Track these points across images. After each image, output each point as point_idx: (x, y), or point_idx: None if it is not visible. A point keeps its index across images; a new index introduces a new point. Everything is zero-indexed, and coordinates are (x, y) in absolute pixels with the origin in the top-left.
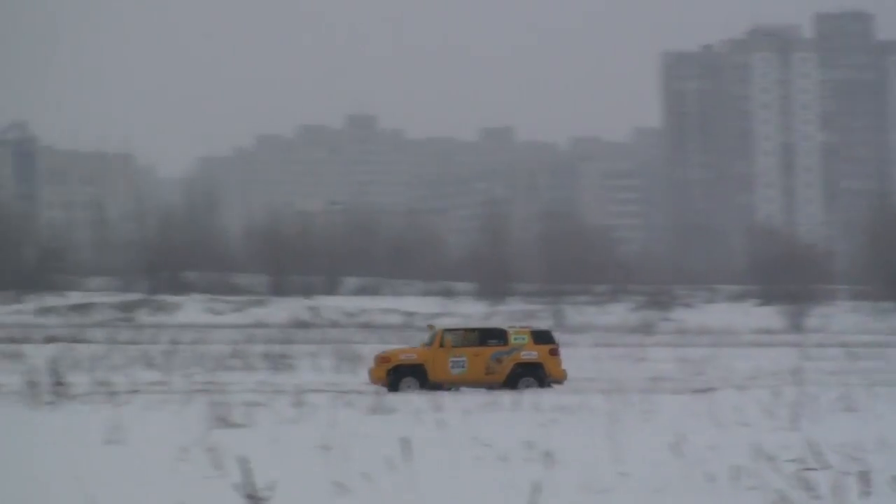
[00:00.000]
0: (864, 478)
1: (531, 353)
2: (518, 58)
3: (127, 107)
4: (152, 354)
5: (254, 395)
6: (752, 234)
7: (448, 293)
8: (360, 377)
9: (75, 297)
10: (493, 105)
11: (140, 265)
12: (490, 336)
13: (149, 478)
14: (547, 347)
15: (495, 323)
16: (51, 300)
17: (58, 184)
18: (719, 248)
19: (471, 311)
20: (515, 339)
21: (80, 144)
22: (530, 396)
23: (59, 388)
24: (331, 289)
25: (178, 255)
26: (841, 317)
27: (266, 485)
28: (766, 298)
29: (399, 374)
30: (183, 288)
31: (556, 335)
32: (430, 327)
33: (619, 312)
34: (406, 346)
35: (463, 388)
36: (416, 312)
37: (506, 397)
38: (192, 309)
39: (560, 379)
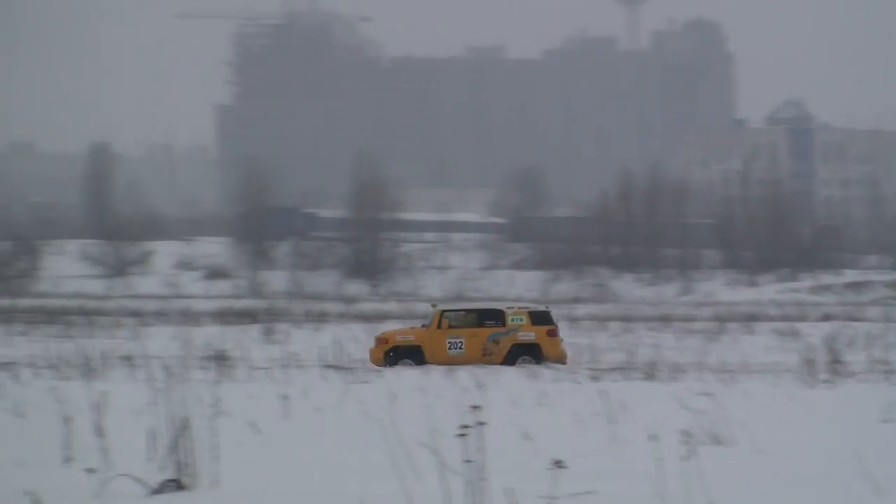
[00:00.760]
0: None
1: (528, 334)
2: None
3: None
4: None
5: None
6: None
7: None
8: None
9: (851, 276)
10: None
11: None
12: (488, 317)
13: None
14: (545, 328)
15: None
16: (826, 278)
17: (834, 161)
18: None
19: None
20: (513, 319)
21: (857, 122)
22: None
23: (836, 367)
24: None
25: None
26: None
27: None
28: None
29: (397, 355)
30: None
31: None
32: (434, 306)
33: None
34: (406, 327)
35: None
36: None
37: None
38: None
39: (559, 359)
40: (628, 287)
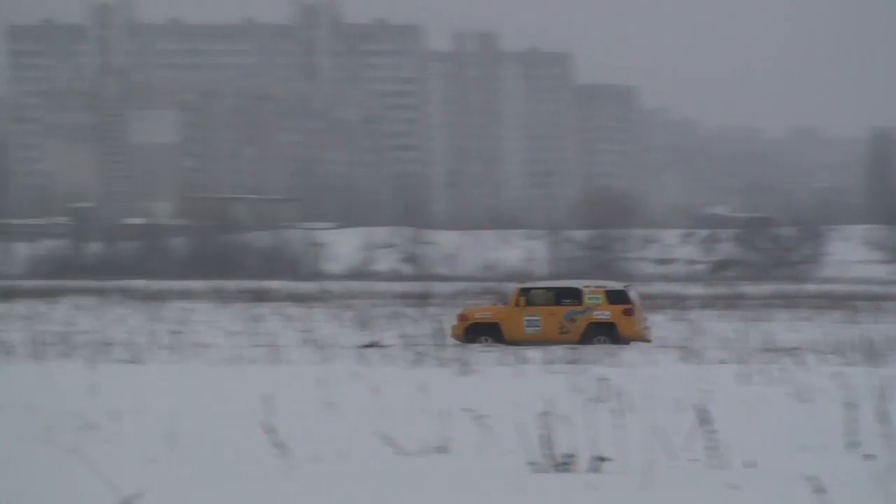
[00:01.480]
0: None
1: (604, 313)
2: None
3: None
4: None
5: None
6: None
7: None
8: None
9: None
10: None
11: None
12: (565, 295)
13: None
14: (620, 307)
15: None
16: None
17: None
18: None
19: None
20: (589, 298)
21: None
22: None
23: None
24: None
25: None
26: None
27: None
28: None
29: (476, 332)
30: None
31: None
32: (521, 283)
33: None
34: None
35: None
36: None
37: None
38: None
39: (636, 338)
40: None
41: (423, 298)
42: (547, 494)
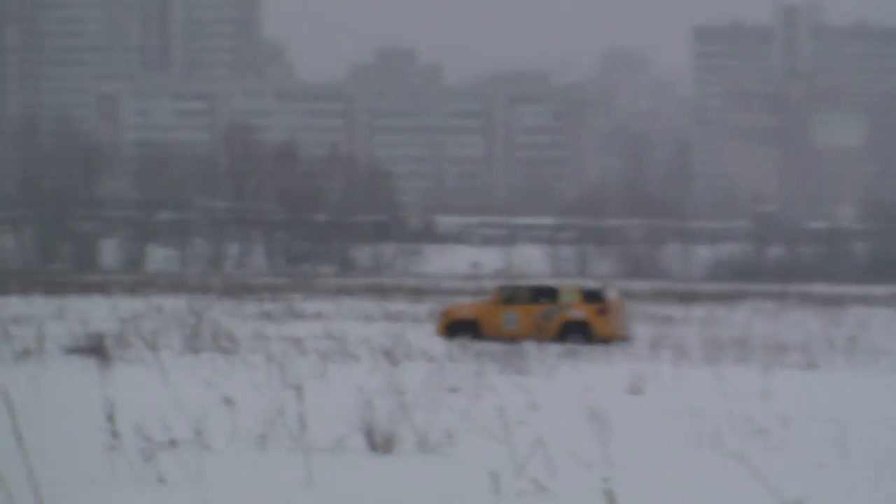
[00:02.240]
0: None
1: (579, 312)
2: None
3: None
4: None
5: None
6: None
7: None
8: None
9: None
10: None
11: None
12: (542, 294)
13: None
14: (595, 306)
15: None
16: None
17: None
18: None
19: None
20: (566, 297)
21: None
22: None
23: None
24: None
25: None
26: None
27: None
28: None
29: (457, 328)
30: None
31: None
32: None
33: None
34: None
35: None
36: None
37: None
38: None
39: (611, 337)
40: None
41: None
42: None
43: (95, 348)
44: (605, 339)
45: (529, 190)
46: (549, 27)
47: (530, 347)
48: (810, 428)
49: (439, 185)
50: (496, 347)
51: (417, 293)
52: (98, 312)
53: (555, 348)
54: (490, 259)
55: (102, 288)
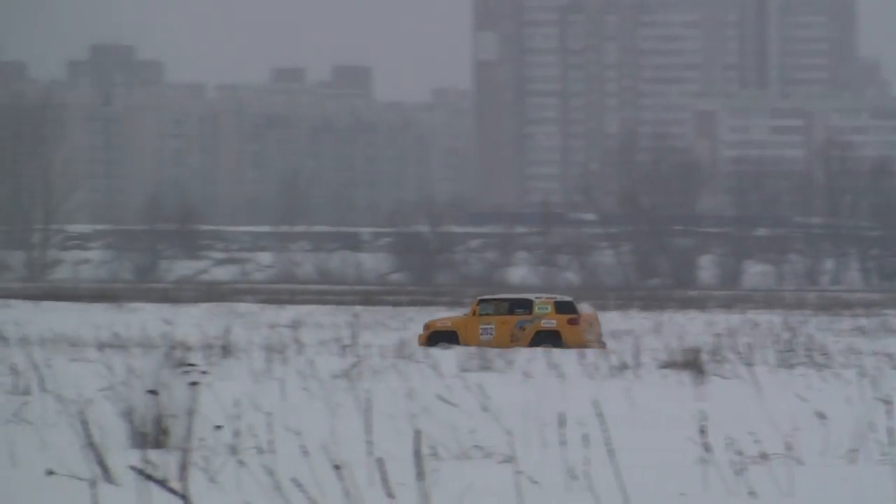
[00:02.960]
0: None
1: (551, 322)
2: None
3: None
4: None
5: None
6: None
7: None
8: None
9: None
10: None
11: None
12: (517, 305)
13: None
14: (566, 317)
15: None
16: None
17: None
18: None
19: None
20: (539, 308)
21: None
22: None
23: None
24: None
25: None
26: None
27: None
28: None
29: (437, 339)
30: None
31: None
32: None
33: None
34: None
35: None
36: None
37: None
38: None
39: (581, 346)
40: None
41: None
42: None
43: (690, 363)
44: (576, 348)
45: None
46: None
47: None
48: None
49: None
50: None
51: None
52: (694, 328)
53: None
54: None
55: (699, 303)
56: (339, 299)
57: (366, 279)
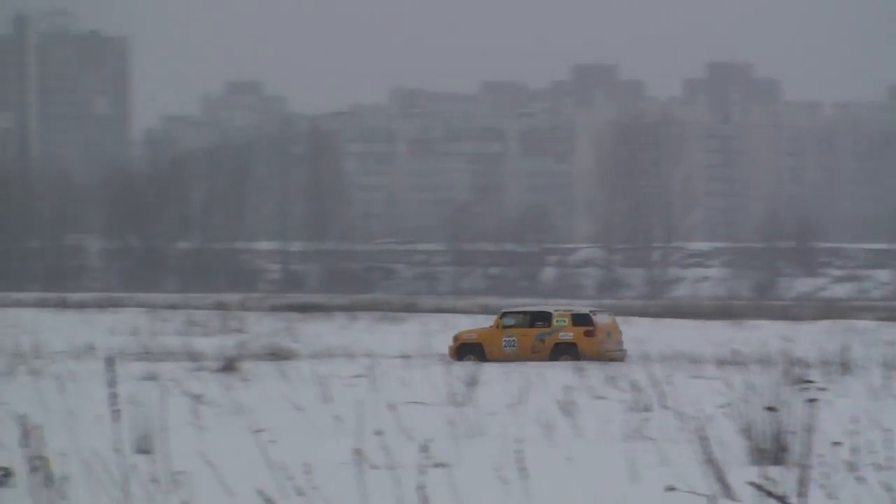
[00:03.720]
0: None
1: (568, 334)
2: None
3: None
4: None
5: None
6: None
7: None
8: None
9: None
10: None
11: None
12: (537, 318)
13: None
14: (583, 329)
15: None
16: None
17: None
18: None
19: None
20: (557, 321)
21: None
22: None
23: None
24: None
25: None
26: None
27: None
28: None
29: (464, 351)
30: None
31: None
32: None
33: None
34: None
35: None
36: None
37: None
38: None
39: (598, 357)
40: None
41: None
42: None
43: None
44: (593, 359)
45: None
46: None
47: None
48: None
49: None
50: None
51: None
52: None
53: None
54: None
55: None
56: None
57: None
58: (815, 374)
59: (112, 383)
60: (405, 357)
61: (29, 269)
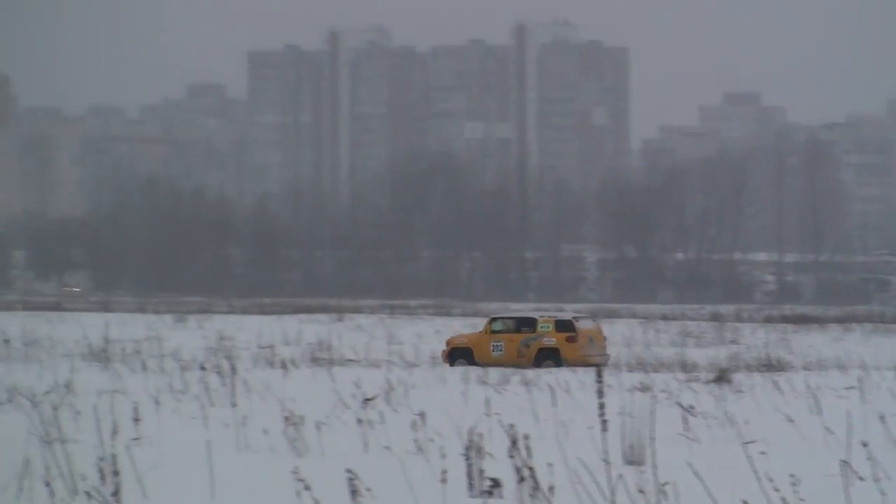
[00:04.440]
0: None
1: (551, 340)
2: None
3: None
4: None
5: None
6: None
7: None
8: None
9: None
10: None
11: None
12: (523, 324)
13: None
14: (565, 335)
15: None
16: None
17: None
18: None
19: None
20: (542, 327)
21: None
22: None
23: None
24: None
25: None
26: None
27: None
28: None
29: (456, 356)
30: None
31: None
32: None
33: None
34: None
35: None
36: None
37: None
38: None
39: (579, 363)
40: None
41: None
42: None
43: None
44: (574, 364)
45: None
46: None
47: None
48: None
49: None
50: None
51: None
52: None
53: None
54: None
55: None
56: None
57: None
58: None
59: (601, 394)
60: None
61: (526, 279)
